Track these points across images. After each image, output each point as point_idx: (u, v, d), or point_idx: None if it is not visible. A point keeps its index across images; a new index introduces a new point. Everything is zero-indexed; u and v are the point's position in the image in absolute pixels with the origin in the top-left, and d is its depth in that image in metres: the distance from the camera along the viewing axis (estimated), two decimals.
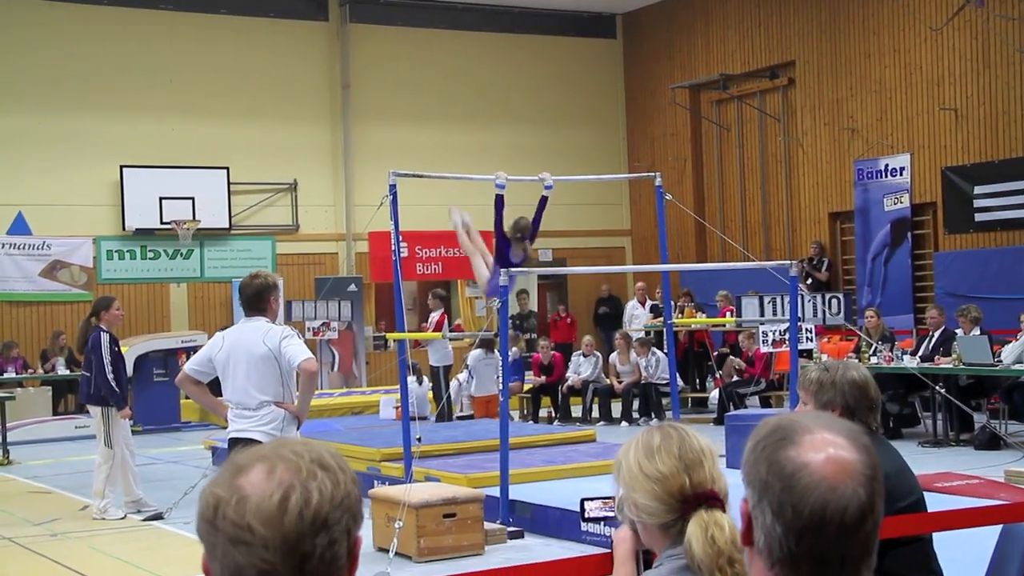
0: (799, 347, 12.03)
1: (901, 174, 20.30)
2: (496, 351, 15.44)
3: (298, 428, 7.44)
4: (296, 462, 1.70)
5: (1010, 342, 14.03)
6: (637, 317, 21.04)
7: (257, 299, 7.32)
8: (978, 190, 19.10)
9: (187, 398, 19.73)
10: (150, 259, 22.15)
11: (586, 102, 25.91)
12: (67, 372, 19.36)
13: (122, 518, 11.11)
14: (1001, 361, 13.68)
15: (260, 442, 2.04)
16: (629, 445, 2.61)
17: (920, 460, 12.10)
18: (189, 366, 7.67)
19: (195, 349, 19.22)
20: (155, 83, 22.22)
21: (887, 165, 20.51)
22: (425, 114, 24.29)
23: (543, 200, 11.13)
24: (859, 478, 1.78)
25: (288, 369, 7.32)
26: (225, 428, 7.61)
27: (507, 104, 25.08)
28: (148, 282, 22.19)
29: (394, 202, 11.24)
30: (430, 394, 17.38)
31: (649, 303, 20.89)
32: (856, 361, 4.17)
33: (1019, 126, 18.72)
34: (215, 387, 7.70)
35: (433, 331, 16.97)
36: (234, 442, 7.36)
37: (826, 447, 1.79)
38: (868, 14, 20.92)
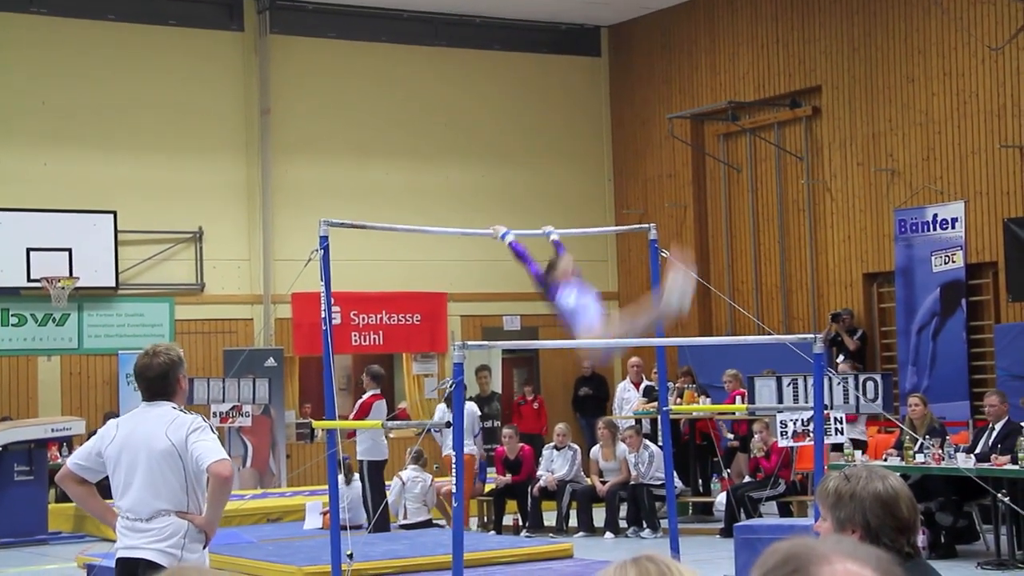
0: (829, 440, 12.11)
1: (953, 226, 20.40)
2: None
3: (205, 546, 7.40)
4: None
5: None
6: (629, 401, 21.13)
7: (162, 381, 7.42)
8: None
9: (59, 501, 19.72)
10: (13, 326, 21.97)
11: (563, 134, 25.91)
12: None
13: None
14: None
15: (154, 564, 2.00)
16: None
17: None
18: (73, 460, 7.68)
19: (69, 440, 19.46)
20: (23, 105, 22.11)
21: (935, 216, 20.61)
22: (363, 147, 24.30)
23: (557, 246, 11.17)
24: None
25: (196, 471, 7.31)
26: (112, 541, 7.52)
27: (465, 136, 25.12)
28: (10, 354, 21.95)
29: (325, 257, 11.31)
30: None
31: (645, 384, 20.85)
32: (883, 469, 4.09)
33: None
34: (106, 489, 7.67)
35: (355, 417, 17.06)
36: (122, 563, 7.32)
37: None
38: (912, 29, 20.99)
